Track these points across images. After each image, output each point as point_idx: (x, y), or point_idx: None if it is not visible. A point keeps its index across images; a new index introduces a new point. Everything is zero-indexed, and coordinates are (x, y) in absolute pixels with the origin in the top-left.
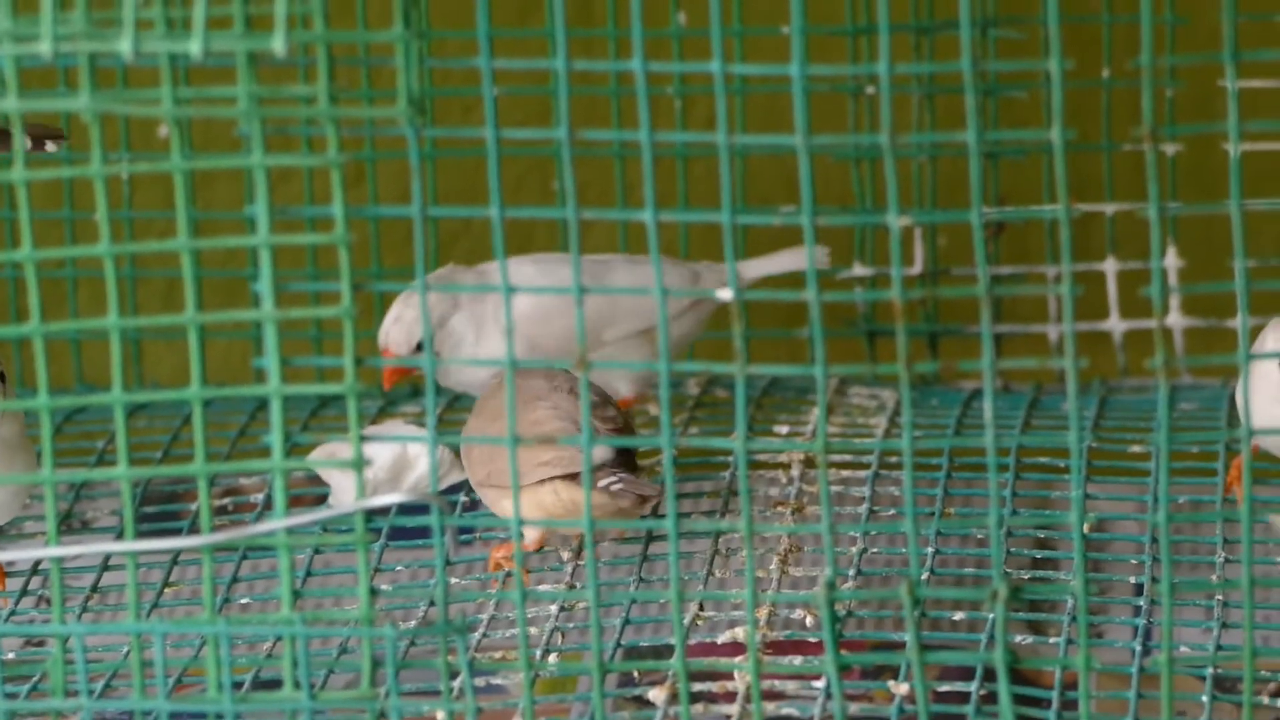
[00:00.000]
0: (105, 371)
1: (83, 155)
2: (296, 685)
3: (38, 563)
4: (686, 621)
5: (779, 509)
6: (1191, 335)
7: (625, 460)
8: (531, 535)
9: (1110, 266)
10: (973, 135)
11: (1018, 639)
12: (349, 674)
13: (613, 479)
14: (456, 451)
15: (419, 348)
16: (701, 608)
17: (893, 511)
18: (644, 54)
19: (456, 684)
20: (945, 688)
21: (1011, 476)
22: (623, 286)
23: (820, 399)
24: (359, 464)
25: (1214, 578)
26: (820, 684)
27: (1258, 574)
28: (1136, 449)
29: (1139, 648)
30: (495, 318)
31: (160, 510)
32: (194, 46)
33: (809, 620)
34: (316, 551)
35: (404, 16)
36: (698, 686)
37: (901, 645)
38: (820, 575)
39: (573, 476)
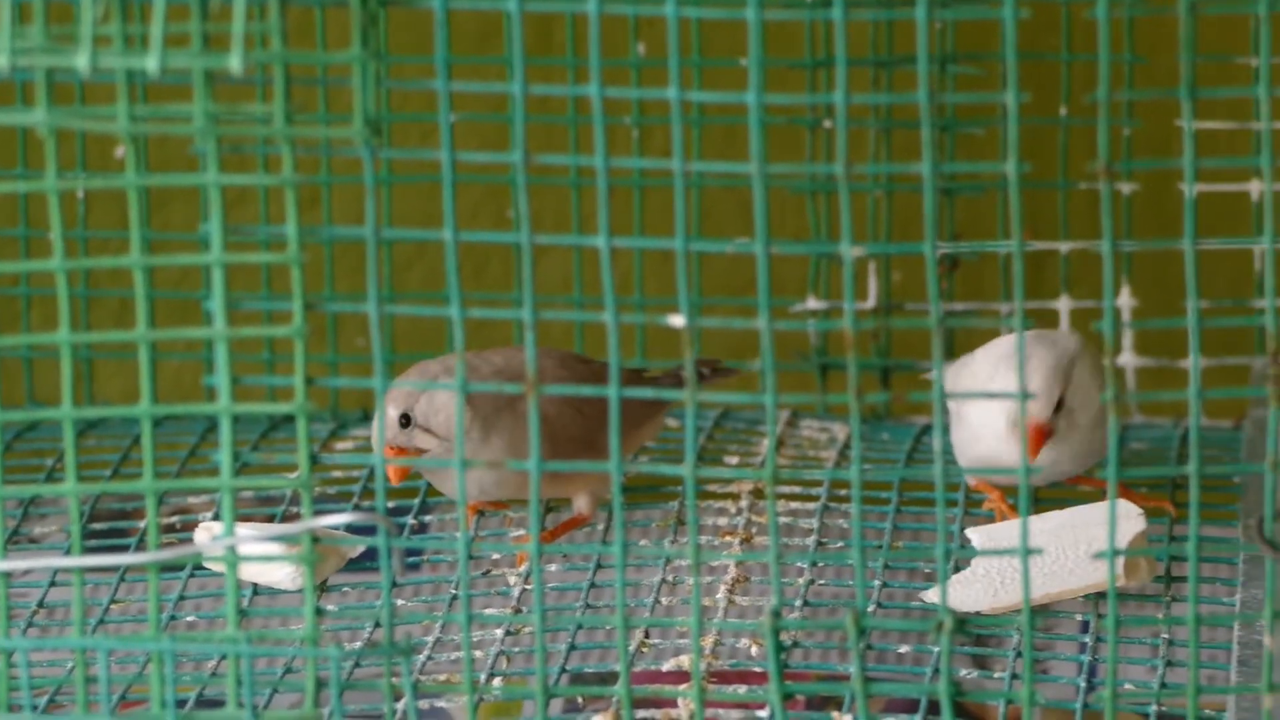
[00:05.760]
0: (57, 390)
1: (38, 172)
2: (240, 705)
3: None
4: (632, 648)
5: (727, 538)
6: (1143, 374)
7: None
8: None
9: (1064, 304)
10: (927, 167)
11: (962, 672)
12: (293, 694)
13: None
14: None
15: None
16: (647, 635)
17: (841, 543)
18: (602, 80)
19: (400, 706)
20: None
21: (960, 511)
22: None
23: (770, 429)
24: (308, 484)
25: (1159, 615)
26: (764, 713)
27: (1203, 612)
28: (1085, 487)
29: (1083, 684)
30: None
31: (109, 528)
32: (151, 63)
33: (754, 649)
34: None
35: (362, 38)
36: (641, 713)
37: (846, 676)
38: (766, 605)
39: None
